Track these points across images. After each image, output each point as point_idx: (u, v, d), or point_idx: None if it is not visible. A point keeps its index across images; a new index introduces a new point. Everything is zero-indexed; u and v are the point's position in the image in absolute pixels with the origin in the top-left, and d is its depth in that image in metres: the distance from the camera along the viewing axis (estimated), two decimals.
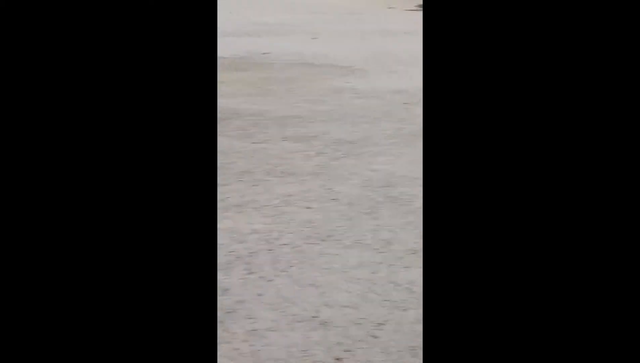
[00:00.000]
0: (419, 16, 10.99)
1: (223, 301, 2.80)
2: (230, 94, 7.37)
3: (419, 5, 13.84)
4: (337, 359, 2.37)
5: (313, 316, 2.73)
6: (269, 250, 3.37)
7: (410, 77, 7.52)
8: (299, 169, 4.73)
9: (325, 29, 12.10)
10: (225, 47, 11.71)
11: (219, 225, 3.63)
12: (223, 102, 6.90)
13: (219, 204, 3.94)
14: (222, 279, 3.00)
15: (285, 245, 3.44)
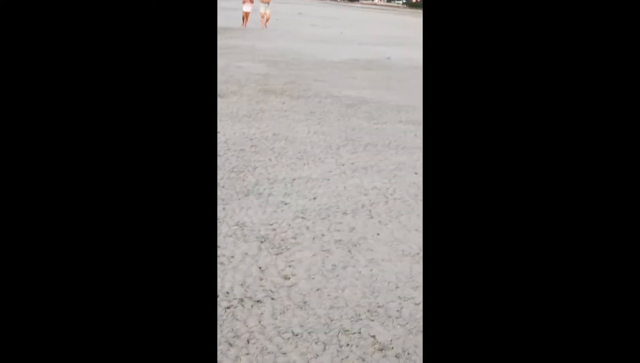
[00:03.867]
0: None
1: (351, 237, 2.76)
2: (360, 87, 7.28)
3: None
4: None
5: (417, 253, 2.64)
6: (386, 202, 3.29)
7: None
8: (410, 144, 4.60)
9: None
10: (360, 53, 11.59)
11: (350, 182, 3.59)
12: (355, 93, 6.83)
13: (351, 167, 3.90)
14: (350, 220, 2.96)
15: (397, 198, 3.35)
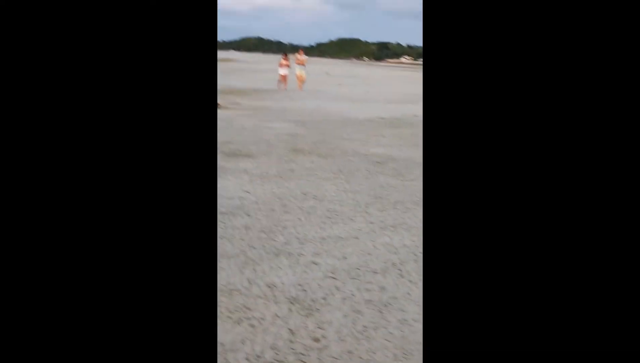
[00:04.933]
0: None
1: (381, 297, 2.73)
2: (388, 145, 7.35)
3: None
4: None
5: None
6: (415, 260, 3.26)
7: None
8: None
9: None
10: (386, 111, 11.76)
11: (379, 240, 3.57)
12: (382, 150, 6.90)
13: (380, 225, 3.89)
14: (380, 280, 2.94)
15: None
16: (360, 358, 2.18)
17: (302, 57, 17.44)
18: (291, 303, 2.63)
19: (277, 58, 17.82)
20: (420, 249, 3.44)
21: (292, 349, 2.22)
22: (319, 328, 2.40)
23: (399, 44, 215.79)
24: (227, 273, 2.92)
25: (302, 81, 17.15)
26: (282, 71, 17.12)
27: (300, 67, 17.26)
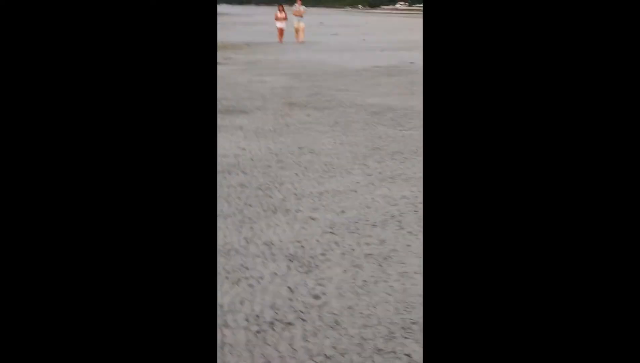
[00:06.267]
0: None
1: (381, 250, 2.68)
2: (384, 94, 7.21)
3: None
4: None
5: None
6: (415, 211, 3.20)
7: None
8: None
9: None
10: (382, 59, 11.51)
11: (378, 192, 3.51)
12: (379, 100, 6.76)
13: (378, 176, 3.82)
14: (380, 232, 2.88)
15: None
16: (361, 314, 2.14)
17: (300, 8, 16.72)
18: (290, 260, 2.59)
19: (272, 10, 17.19)
20: (419, 199, 3.38)
21: (292, 307, 2.19)
22: (319, 285, 2.36)
23: None
24: (224, 233, 2.87)
25: (301, 33, 16.51)
26: (280, 24, 16.48)
27: (299, 19, 16.54)
